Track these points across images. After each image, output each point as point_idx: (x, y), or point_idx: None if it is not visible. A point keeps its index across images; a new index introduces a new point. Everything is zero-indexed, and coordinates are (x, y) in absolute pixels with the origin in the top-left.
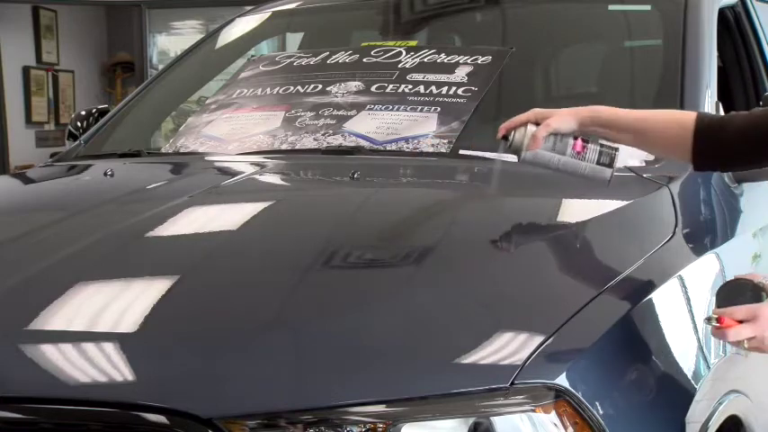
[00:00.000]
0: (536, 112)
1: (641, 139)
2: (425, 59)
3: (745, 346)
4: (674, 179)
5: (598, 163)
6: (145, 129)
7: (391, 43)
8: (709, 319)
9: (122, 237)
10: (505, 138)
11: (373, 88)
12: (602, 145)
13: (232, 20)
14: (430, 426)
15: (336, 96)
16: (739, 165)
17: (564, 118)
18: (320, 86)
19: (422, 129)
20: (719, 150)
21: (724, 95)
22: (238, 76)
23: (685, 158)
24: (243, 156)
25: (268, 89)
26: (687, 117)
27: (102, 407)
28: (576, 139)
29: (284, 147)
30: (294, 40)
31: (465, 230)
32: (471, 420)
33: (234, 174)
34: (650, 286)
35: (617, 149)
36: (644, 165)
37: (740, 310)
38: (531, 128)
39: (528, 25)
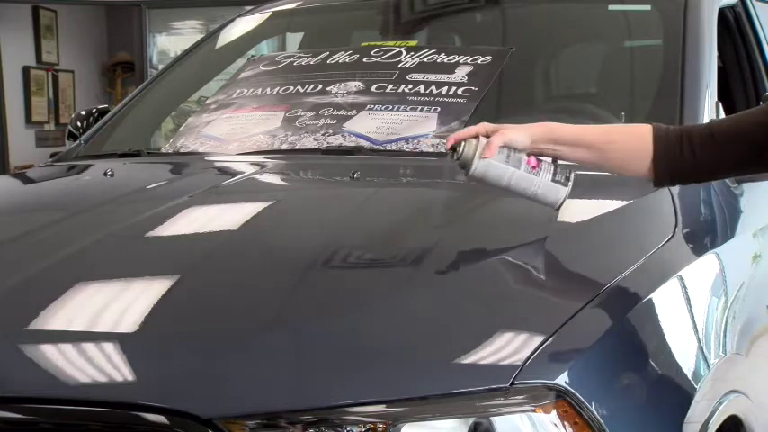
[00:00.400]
0: (486, 125)
1: (598, 156)
2: (425, 59)
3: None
4: None
5: (553, 180)
6: (145, 129)
7: (391, 43)
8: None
9: (122, 237)
10: (453, 149)
11: (373, 88)
12: (557, 163)
13: (232, 20)
14: (430, 426)
15: (336, 96)
16: (702, 178)
17: (518, 131)
18: (320, 86)
19: (422, 129)
20: (679, 162)
21: (724, 95)
22: (238, 76)
23: (644, 173)
24: (243, 156)
25: (268, 89)
26: (644, 128)
27: (102, 407)
28: (529, 155)
29: (284, 147)
30: (294, 40)
31: (465, 230)
32: (471, 420)
33: (234, 174)
34: (650, 286)
35: (572, 170)
36: None
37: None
38: (482, 140)
39: (528, 25)
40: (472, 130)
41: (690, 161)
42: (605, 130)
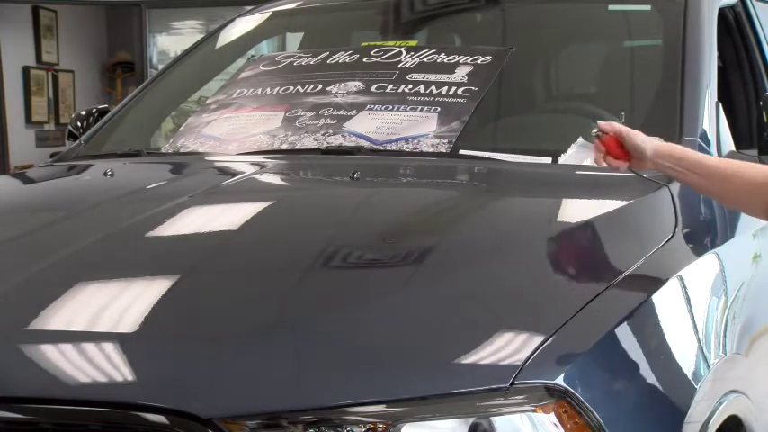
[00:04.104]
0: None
1: (717, 188)
2: (425, 59)
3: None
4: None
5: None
6: (145, 129)
7: (391, 43)
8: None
9: (122, 237)
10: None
11: (373, 88)
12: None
13: (232, 20)
14: (430, 426)
15: (336, 96)
16: None
17: (646, 140)
18: (320, 86)
19: (422, 129)
20: None
21: (724, 95)
22: (238, 76)
23: (760, 214)
24: (243, 156)
25: (268, 89)
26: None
27: (102, 407)
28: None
29: (284, 147)
30: (294, 40)
31: (465, 230)
32: (471, 420)
33: (234, 174)
34: (650, 286)
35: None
36: None
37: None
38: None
39: (528, 25)
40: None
41: None
42: (728, 165)
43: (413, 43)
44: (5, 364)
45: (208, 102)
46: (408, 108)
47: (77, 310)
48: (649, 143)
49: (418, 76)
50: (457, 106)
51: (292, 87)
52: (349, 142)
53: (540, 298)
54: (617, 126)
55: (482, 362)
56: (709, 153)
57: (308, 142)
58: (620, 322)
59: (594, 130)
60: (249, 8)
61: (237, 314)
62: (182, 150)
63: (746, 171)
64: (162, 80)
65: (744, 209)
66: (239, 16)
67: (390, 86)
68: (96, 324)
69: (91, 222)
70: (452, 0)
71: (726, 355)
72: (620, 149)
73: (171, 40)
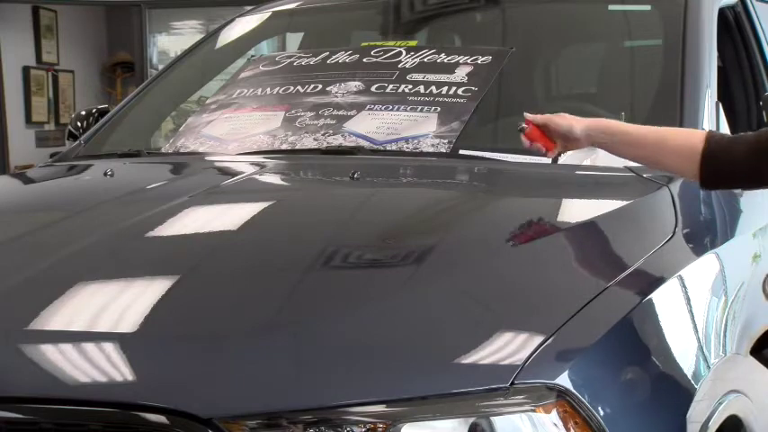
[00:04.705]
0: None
1: (649, 153)
2: (425, 59)
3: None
4: (674, 179)
5: None
6: (145, 129)
7: (391, 43)
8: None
9: (122, 237)
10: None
11: (373, 88)
12: None
13: (232, 20)
14: (430, 426)
15: (336, 96)
16: (745, 186)
17: (572, 119)
18: (320, 86)
19: (422, 129)
20: (725, 173)
21: (724, 95)
22: (238, 76)
23: (693, 175)
24: (243, 156)
25: (268, 89)
26: (696, 138)
27: (102, 407)
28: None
29: (284, 147)
30: (294, 40)
31: (465, 230)
32: (471, 420)
33: (234, 174)
34: (650, 286)
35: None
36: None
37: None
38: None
39: (528, 25)
40: (539, 118)
41: (735, 167)
42: (658, 132)
43: (413, 43)
44: (5, 364)
45: (208, 102)
46: (408, 108)
47: (77, 309)
48: (577, 124)
49: (418, 76)
50: (457, 106)
51: (292, 87)
52: (349, 142)
53: (540, 298)
54: (539, 117)
55: (482, 362)
56: None
57: (308, 142)
58: (621, 322)
59: (519, 127)
60: (249, 8)
61: (237, 314)
62: (182, 150)
63: (676, 137)
64: (162, 80)
65: (678, 173)
66: (239, 16)
67: (390, 86)
68: (96, 324)
69: (91, 222)
70: (452, 0)
71: (726, 355)
72: (545, 139)
73: (171, 40)
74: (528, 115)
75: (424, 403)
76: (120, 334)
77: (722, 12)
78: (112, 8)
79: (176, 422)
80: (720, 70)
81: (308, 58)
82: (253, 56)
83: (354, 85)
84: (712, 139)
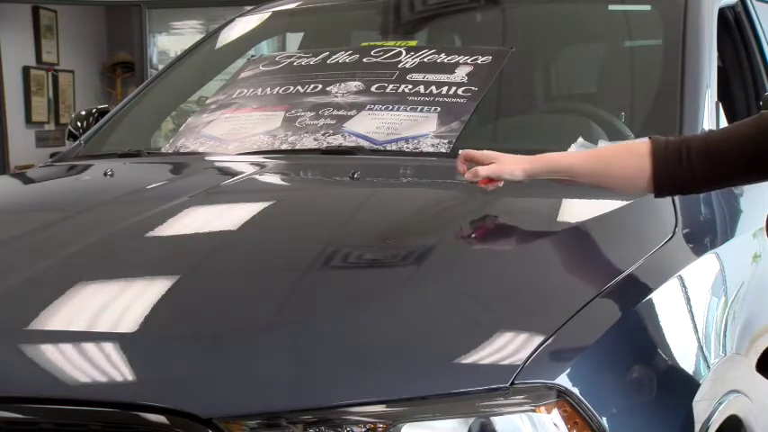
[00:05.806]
0: (488, 154)
1: (599, 181)
2: (425, 59)
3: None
4: None
5: None
6: (145, 129)
7: (391, 43)
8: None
9: (122, 237)
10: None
11: (373, 88)
12: None
13: (232, 20)
14: (430, 426)
15: (336, 96)
16: (701, 189)
17: (515, 165)
18: (320, 86)
19: (422, 129)
20: (679, 174)
21: (724, 95)
22: (238, 76)
23: (645, 187)
24: (243, 156)
25: (268, 89)
26: (642, 146)
27: (102, 407)
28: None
29: (284, 147)
30: (294, 40)
31: (465, 230)
32: (471, 420)
33: (234, 174)
34: (650, 286)
35: None
36: None
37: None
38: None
39: (528, 25)
40: (477, 155)
41: (688, 173)
42: (601, 156)
43: (413, 43)
44: (5, 364)
45: (208, 102)
46: (408, 108)
47: (77, 309)
48: (517, 169)
49: (418, 76)
50: (457, 106)
51: (292, 87)
52: (349, 142)
53: (540, 298)
54: (481, 171)
55: (482, 362)
56: None
57: (308, 142)
58: (620, 322)
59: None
60: (249, 8)
61: (237, 314)
62: (182, 150)
63: (617, 156)
64: (162, 80)
65: (632, 190)
66: (239, 16)
67: (390, 86)
68: (96, 324)
69: (91, 222)
70: (452, 0)
71: (726, 355)
72: (491, 181)
73: (171, 40)
74: (466, 174)
75: (424, 403)
76: (119, 334)
77: (722, 12)
78: (112, 8)
79: (176, 422)
80: (720, 70)
81: (307, 58)
82: (253, 56)
83: (354, 85)
84: (658, 151)
